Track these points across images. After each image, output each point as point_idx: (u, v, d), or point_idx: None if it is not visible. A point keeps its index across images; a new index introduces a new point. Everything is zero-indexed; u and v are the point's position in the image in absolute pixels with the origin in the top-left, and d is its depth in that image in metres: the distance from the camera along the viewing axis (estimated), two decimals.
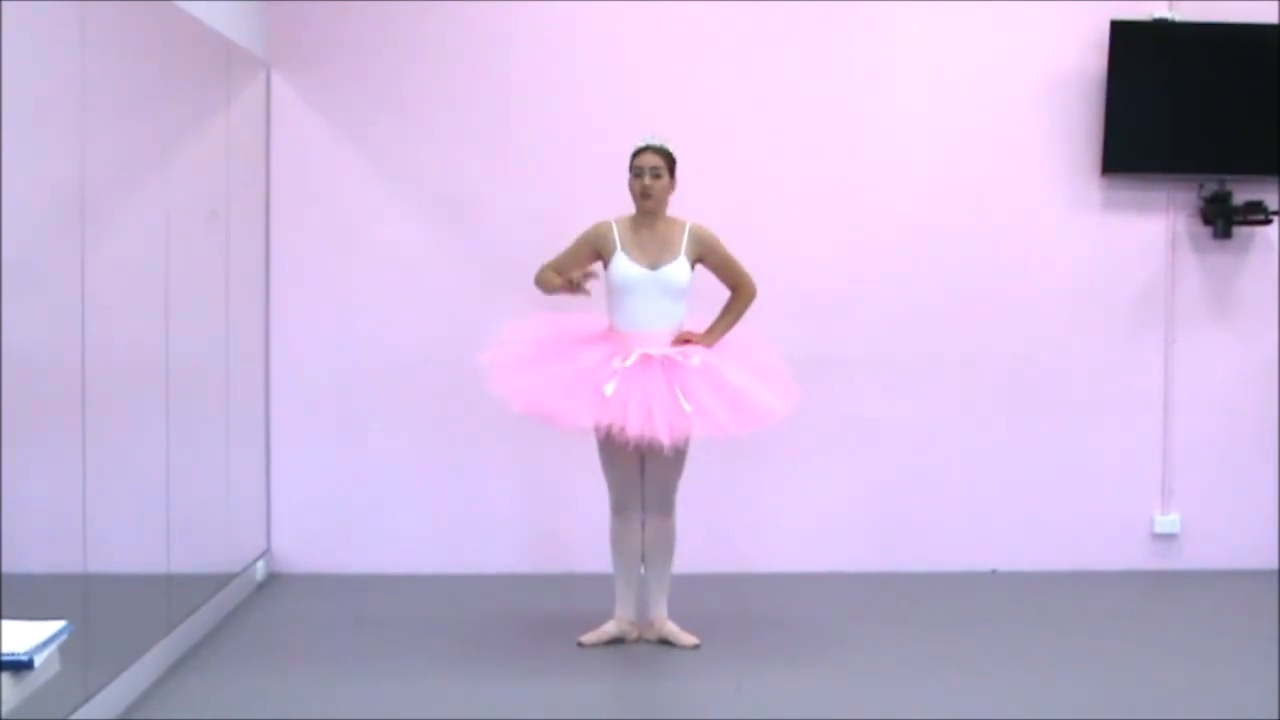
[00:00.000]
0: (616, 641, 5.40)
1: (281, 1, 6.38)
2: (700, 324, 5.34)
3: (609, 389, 5.04)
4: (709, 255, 5.35)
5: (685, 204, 5.42)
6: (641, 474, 5.32)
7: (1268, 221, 6.57)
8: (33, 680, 2.45)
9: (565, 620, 5.64)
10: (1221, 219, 6.59)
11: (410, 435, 6.56)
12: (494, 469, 6.58)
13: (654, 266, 5.25)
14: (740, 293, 5.39)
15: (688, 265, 5.29)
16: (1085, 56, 6.56)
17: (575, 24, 6.51)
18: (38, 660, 2.44)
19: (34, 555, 3.89)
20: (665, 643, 5.39)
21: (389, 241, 6.52)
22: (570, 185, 6.45)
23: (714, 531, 6.44)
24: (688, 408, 5.06)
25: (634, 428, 4.99)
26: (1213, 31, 6.49)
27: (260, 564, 6.32)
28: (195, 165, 5.38)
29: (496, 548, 6.59)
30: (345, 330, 6.52)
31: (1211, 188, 6.62)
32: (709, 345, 5.27)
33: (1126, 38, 6.46)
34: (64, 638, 2.56)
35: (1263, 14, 6.49)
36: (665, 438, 5.02)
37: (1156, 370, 6.73)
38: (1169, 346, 6.72)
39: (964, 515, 6.68)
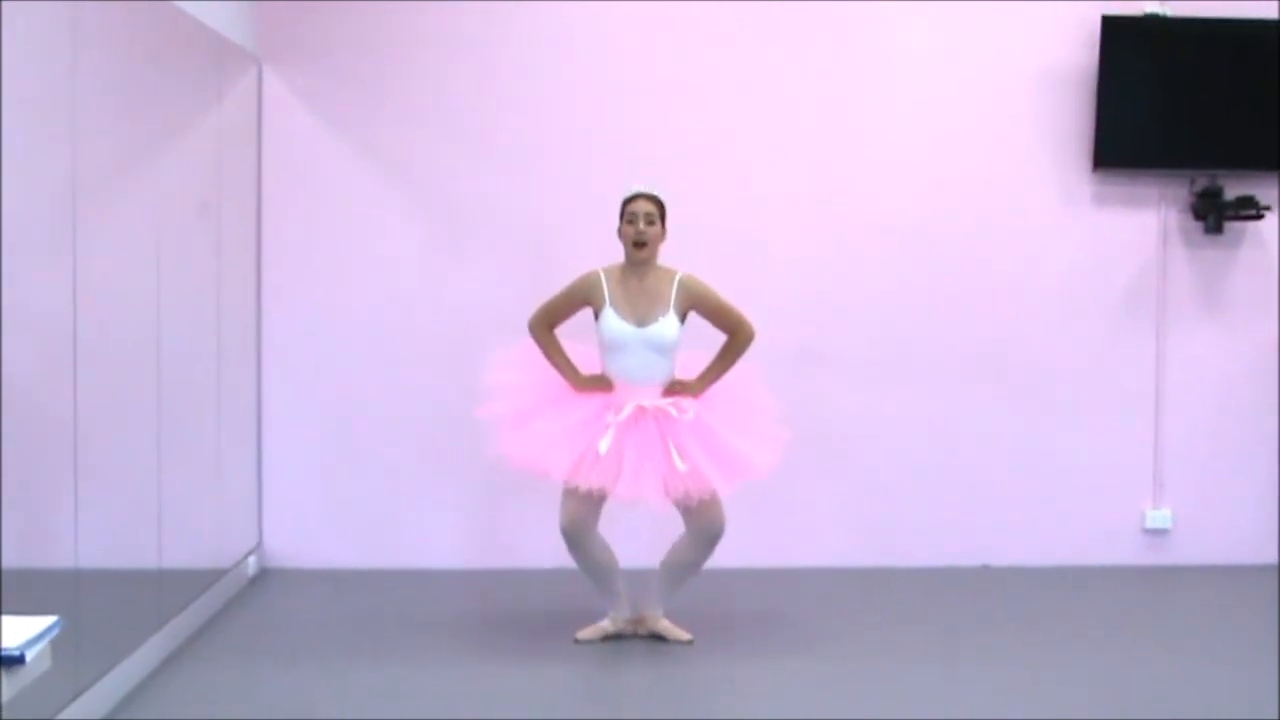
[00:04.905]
0: (613, 637, 5.40)
1: None
2: (696, 354, 5.33)
3: (603, 445, 5.02)
4: (700, 305, 5.26)
5: (678, 206, 5.39)
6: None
7: (1259, 216, 6.58)
8: (24, 676, 2.45)
9: (561, 615, 5.63)
10: (1213, 214, 6.60)
11: (402, 430, 6.55)
12: (488, 463, 6.54)
13: (641, 324, 5.17)
14: (736, 336, 5.27)
15: (676, 321, 5.20)
16: (1076, 51, 6.57)
17: (568, 22, 6.50)
18: (29, 656, 2.44)
19: (25, 550, 3.88)
20: (658, 638, 5.39)
21: (380, 237, 6.51)
22: (564, 182, 6.44)
23: None
24: (682, 467, 5.02)
25: (625, 490, 5.00)
26: (1204, 26, 6.49)
27: (252, 559, 6.31)
28: (187, 161, 5.37)
29: (491, 542, 6.58)
30: (337, 325, 6.50)
31: (1203, 183, 6.63)
32: (697, 395, 5.20)
33: (1118, 32, 6.46)
34: (55, 633, 2.56)
35: (1253, 9, 6.50)
36: (656, 496, 5.00)
37: (1148, 365, 6.73)
38: (1160, 341, 6.73)
39: (956, 510, 6.68)
